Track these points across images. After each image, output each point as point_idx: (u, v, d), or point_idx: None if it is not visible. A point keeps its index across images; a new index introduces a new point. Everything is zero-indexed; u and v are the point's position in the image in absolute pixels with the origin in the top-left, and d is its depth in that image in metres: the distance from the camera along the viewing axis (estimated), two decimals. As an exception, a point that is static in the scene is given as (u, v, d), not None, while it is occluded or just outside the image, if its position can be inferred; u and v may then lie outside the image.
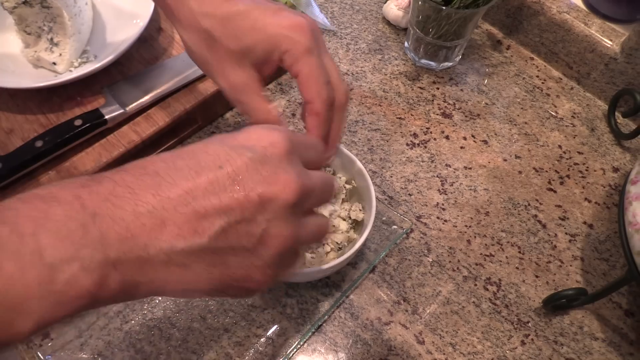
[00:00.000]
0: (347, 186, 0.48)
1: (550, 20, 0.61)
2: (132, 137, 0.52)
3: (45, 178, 0.50)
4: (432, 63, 0.63)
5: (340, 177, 0.49)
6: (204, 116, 0.57)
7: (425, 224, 0.53)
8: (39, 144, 0.49)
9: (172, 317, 0.47)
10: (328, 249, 0.45)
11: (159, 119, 0.54)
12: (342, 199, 0.48)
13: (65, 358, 0.45)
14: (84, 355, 0.45)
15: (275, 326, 0.47)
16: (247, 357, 0.46)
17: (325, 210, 0.46)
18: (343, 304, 0.48)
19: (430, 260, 0.51)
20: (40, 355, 0.45)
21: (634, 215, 0.42)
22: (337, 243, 0.45)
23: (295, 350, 0.46)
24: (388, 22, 0.68)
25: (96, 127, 0.51)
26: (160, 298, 0.48)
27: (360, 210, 0.47)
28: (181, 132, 0.56)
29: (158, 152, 0.55)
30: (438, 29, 0.58)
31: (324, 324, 0.47)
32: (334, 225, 0.46)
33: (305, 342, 0.46)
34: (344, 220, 0.47)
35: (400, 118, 0.60)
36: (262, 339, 0.46)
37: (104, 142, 0.52)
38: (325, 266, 0.42)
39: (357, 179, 0.48)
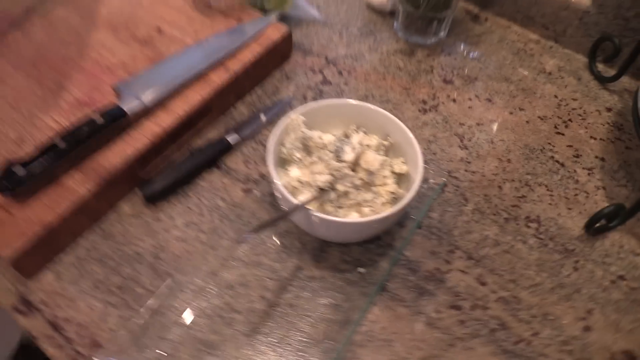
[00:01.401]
0: (385, 142, 0.49)
1: (523, -13, 0.67)
2: (154, 129, 0.50)
3: (69, 179, 0.47)
4: (423, 39, 0.67)
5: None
6: (219, 106, 0.56)
7: (456, 177, 0.54)
8: (61, 144, 0.46)
9: (230, 302, 0.45)
10: (383, 199, 0.45)
11: (178, 108, 0.52)
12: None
13: None
14: (147, 356, 0.42)
15: (339, 293, 0.46)
16: (319, 327, 0.44)
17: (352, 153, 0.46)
18: (400, 261, 0.48)
19: (470, 209, 0.52)
20: None
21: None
22: (391, 193, 0.46)
23: (364, 311, 0.45)
24: (372, 9, 0.71)
25: (117, 122, 0.49)
26: (215, 288, 0.46)
27: (402, 162, 0.48)
28: (197, 122, 0.55)
29: (178, 144, 0.54)
30: (429, 1, 0.62)
31: (386, 283, 0.47)
32: (384, 176, 0.46)
33: (372, 303, 0.45)
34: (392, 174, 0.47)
35: (406, 89, 0.62)
36: (329, 307, 0.45)
37: (126, 137, 0.50)
38: (390, 211, 0.42)
39: (393, 135, 0.49)
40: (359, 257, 0.48)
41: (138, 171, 0.50)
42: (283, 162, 0.48)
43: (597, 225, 0.50)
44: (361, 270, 0.47)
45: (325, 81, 0.62)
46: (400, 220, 0.50)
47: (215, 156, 0.53)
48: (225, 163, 0.54)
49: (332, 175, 0.45)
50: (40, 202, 0.45)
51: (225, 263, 0.47)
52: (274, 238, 0.49)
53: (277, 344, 0.43)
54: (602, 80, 0.64)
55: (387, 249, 0.49)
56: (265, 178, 0.53)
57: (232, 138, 0.54)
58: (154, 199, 0.50)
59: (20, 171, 0.44)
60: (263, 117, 0.57)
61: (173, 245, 0.48)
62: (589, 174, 0.55)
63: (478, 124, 0.59)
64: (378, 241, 0.49)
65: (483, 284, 0.47)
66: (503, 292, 0.47)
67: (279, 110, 0.58)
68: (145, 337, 0.43)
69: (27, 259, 0.44)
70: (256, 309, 0.45)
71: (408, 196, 0.43)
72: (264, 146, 0.56)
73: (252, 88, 0.60)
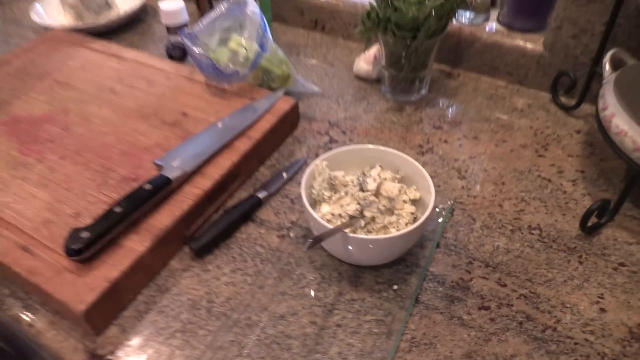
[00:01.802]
0: (398, 176, 0.57)
1: (484, 44, 0.79)
2: (195, 191, 0.58)
3: (127, 240, 0.52)
4: (408, 97, 0.77)
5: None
6: (245, 169, 0.64)
7: (461, 202, 0.62)
8: (118, 209, 0.52)
9: (284, 330, 0.50)
10: (406, 220, 0.52)
11: (213, 173, 0.60)
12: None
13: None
14: (216, 385, 0.46)
15: (379, 309, 0.51)
16: (367, 341, 0.49)
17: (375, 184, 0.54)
18: (427, 276, 0.54)
19: (478, 226, 0.59)
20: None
21: (616, 127, 0.54)
22: (411, 213, 0.53)
23: (404, 322, 0.50)
24: (360, 78, 0.82)
25: (163, 188, 0.56)
26: (268, 320, 0.50)
27: (415, 189, 0.55)
28: (229, 184, 0.62)
29: (215, 205, 0.60)
30: (409, 63, 0.73)
31: (419, 296, 0.52)
32: (403, 201, 0.53)
33: (410, 314, 0.51)
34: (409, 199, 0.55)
35: (402, 138, 0.71)
36: (372, 323, 0.50)
37: (172, 200, 0.56)
38: (415, 225, 0.48)
39: (403, 168, 0.57)
40: (390, 278, 0.54)
41: (184, 230, 0.57)
42: (313, 204, 0.55)
43: (590, 224, 0.57)
44: (395, 287, 0.53)
45: (332, 140, 0.71)
46: (420, 242, 0.57)
47: (249, 211, 0.60)
48: (258, 216, 0.61)
49: (359, 203, 0.52)
50: (104, 261, 0.51)
51: (274, 298, 0.52)
52: (312, 273, 0.55)
53: (332, 360, 0.47)
54: (567, 109, 0.74)
55: (414, 267, 0.55)
56: (295, 224, 0.60)
57: (261, 194, 0.61)
58: (201, 253, 0.56)
59: (85, 235, 0.50)
60: (284, 175, 0.65)
61: (224, 290, 0.53)
62: (573, 185, 0.64)
63: (470, 158, 0.68)
64: (404, 262, 0.55)
65: (503, 285, 0.53)
66: (522, 290, 0.52)
67: (297, 168, 0.66)
68: (212, 371, 0.47)
69: (96, 313, 0.49)
70: (309, 333, 0.49)
71: (427, 213, 0.50)
72: (289, 198, 0.63)
73: (271, 152, 0.69)
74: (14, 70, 0.81)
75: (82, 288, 0.49)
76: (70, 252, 0.50)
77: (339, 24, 0.93)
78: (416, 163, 0.55)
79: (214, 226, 0.57)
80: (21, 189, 0.59)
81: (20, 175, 0.61)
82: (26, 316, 0.52)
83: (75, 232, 0.50)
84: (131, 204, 0.53)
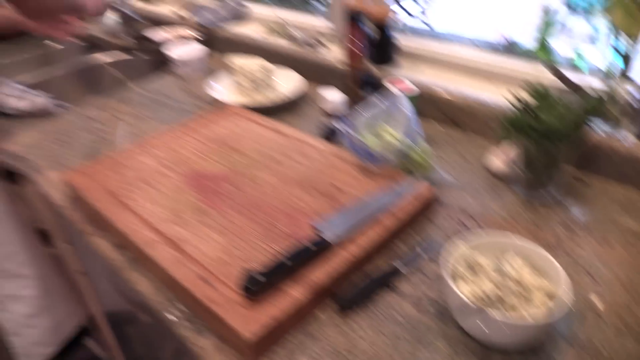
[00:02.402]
0: (534, 268, 0.62)
1: (619, 154, 0.83)
2: (346, 255, 0.67)
3: (289, 288, 0.62)
4: (539, 195, 0.82)
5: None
6: (388, 242, 0.72)
7: (592, 303, 0.64)
8: (288, 262, 0.63)
9: (416, 391, 0.55)
10: (541, 310, 0.56)
11: (361, 242, 0.69)
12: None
13: None
14: None
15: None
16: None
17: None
18: (555, 367, 0.57)
19: (610, 329, 0.61)
20: None
21: None
22: (546, 306, 0.57)
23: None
24: (492, 173, 0.89)
25: (324, 250, 0.66)
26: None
27: (550, 284, 0.60)
28: (373, 253, 0.70)
29: (360, 269, 0.69)
30: (543, 165, 0.79)
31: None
32: (539, 293, 0.58)
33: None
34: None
35: (532, 234, 0.76)
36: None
37: (327, 260, 0.66)
38: (551, 317, 0.53)
39: (538, 262, 0.62)
40: (521, 362, 0.57)
41: (333, 286, 0.65)
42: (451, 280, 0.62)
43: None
44: (524, 372, 0.56)
45: (464, 227, 0.78)
46: (552, 336, 0.60)
47: (388, 279, 0.68)
48: (397, 285, 0.68)
49: (496, 287, 0.57)
50: (269, 302, 0.60)
51: (408, 361, 0.58)
52: (445, 346, 0.60)
53: None
54: None
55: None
56: (430, 298, 0.66)
57: (399, 266, 0.69)
58: (345, 309, 0.64)
59: (260, 278, 0.60)
60: (421, 252, 0.72)
61: (363, 346, 0.60)
62: None
63: (601, 262, 0.71)
64: (535, 353, 0.58)
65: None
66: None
67: (432, 247, 0.73)
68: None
69: (259, 343, 0.57)
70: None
71: (561, 308, 0.54)
72: (425, 274, 0.69)
73: (408, 230, 0.77)
74: (197, 135, 0.99)
75: (251, 320, 0.58)
76: (246, 290, 0.60)
77: (475, 122, 1.02)
78: (552, 259, 0.60)
79: (358, 287, 0.65)
80: (202, 232, 0.72)
81: (201, 220, 0.75)
82: (195, 337, 0.63)
83: (251, 274, 0.61)
84: (298, 260, 0.63)
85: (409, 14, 1.29)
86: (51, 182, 0.97)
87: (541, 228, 0.77)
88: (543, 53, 1.29)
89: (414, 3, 1.27)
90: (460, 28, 1.25)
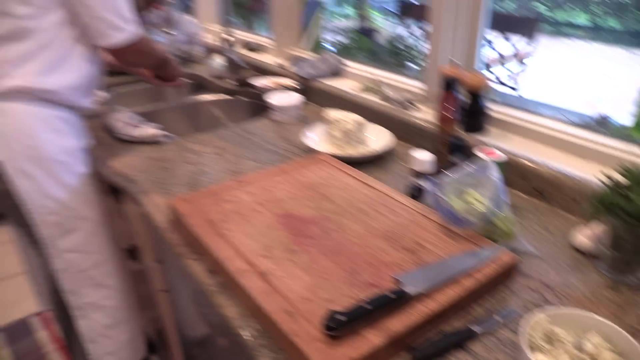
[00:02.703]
0: (615, 350, 0.61)
1: None
2: (424, 310, 0.69)
3: (366, 332, 0.65)
4: (626, 278, 0.81)
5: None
6: (464, 303, 0.74)
7: (676, 397, 0.62)
8: (368, 306, 0.66)
9: None
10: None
11: (439, 298, 0.71)
12: None
13: None
14: None
15: None
16: None
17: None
18: None
19: None
20: None
21: None
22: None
23: None
24: (577, 250, 0.89)
25: (403, 301, 0.69)
26: None
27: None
28: (449, 311, 0.72)
29: (435, 326, 0.71)
30: (632, 247, 0.78)
31: None
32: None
33: None
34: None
35: (615, 316, 0.75)
36: None
37: (404, 311, 0.69)
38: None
39: (619, 345, 0.61)
40: None
41: (408, 338, 0.68)
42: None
43: None
44: None
45: (544, 299, 0.78)
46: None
47: (463, 340, 0.69)
48: (471, 347, 0.69)
49: (575, 363, 0.58)
50: (347, 343, 0.64)
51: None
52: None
53: None
54: None
55: None
56: (502, 364, 0.67)
57: (475, 328, 0.70)
58: (418, 362, 0.66)
59: (342, 318, 0.64)
60: (498, 318, 0.73)
61: (433, 400, 0.62)
62: None
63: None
64: None
65: None
66: None
67: (509, 315, 0.74)
68: None
69: (336, 383, 0.61)
70: None
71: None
72: (500, 340, 0.70)
73: (486, 294, 0.78)
74: (290, 178, 1.06)
75: (329, 357, 0.62)
76: (328, 328, 0.64)
77: (561, 195, 1.02)
78: (637, 344, 0.60)
79: (433, 344, 0.68)
80: (290, 268, 0.78)
81: (290, 257, 0.80)
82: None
83: (334, 314, 0.65)
84: (378, 306, 0.67)
85: (500, 82, 1.33)
86: (155, 205, 1.08)
87: (626, 311, 0.76)
88: (638, 132, 1.27)
89: (505, 70, 1.30)
90: (551, 97, 1.27)
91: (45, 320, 2.19)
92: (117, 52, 1.24)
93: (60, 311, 1.63)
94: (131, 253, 1.59)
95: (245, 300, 0.76)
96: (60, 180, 1.27)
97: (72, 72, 1.24)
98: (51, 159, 1.24)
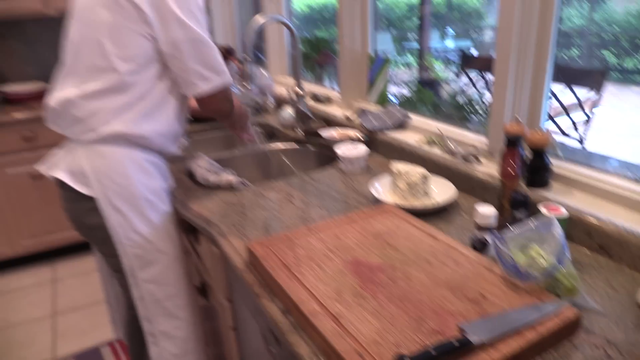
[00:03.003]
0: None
1: None
2: (487, 358, 0.73)
3: (433, 378, 0.70)
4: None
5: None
6: (527, 356, 0.77)
7: None
8: (433, 352, 0.71)
9: None
10: None
11: (503, 349, 0.75)
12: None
13: None
14: None
15: None
16: None
17: None
18: None
19: None
20: None
21: None
22: None
23: None
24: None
25: (467, 349, 0.73)
26: None
27: None
28: (512, 364, 0.76)
29: (497, 376, 0.74)
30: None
31: None
32: None
33: None
34: None
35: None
36: None
37: (466, 358, 0.73)
38: None
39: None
40: None
41: (472, 386, 0.72)
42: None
43: None
44: None
45: (607, 356, 0.79)
46: None
47: (525, 391, 0.72)
48: (533, 398, 0.72)
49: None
50: (415, 387, 0.69)
51: None
52: None
53: None
54: None
55: None
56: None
57: (538, 381, 0.73)
58: (482, 410, 0.70)
59: (410, 363, 0.70)
60: (560, 372, 0.75)
61: None
62: None
63: None
64: None
65: None
66: None
67: (572, 369, 0.76)
68: None
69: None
70: None
71: None
72: (562, 394, 0.73)
73: (548, 348, 0.80)
74: (358, 226, 1.14)
75: (398, 399, 0.67)
76: (396, 370, 0.70)
77: (627, 253, 1.03)
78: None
79: (496, 392, 0.71)
80: (359, 312, 0.84)
81: (359, 302, 0.87)
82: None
83: (402, 357, 0.71)
84: (443, 352, 0.72)
85: (564, 133, 1.35)
86: (232, 247, 1.18)
87: (694, 375, 0.76)
88: None
89: (570, 120, 1.32)
90: (618, 149, 1.28)
91: (115, 350, 2.33)
92: (202, 100, 1.38)
93: (132, 340, 1.75)
94: (201, 290, 1.70)
95: (317, 340, 0.83)
96: (146, 217, 1.40)
97: (163, 120, 1.39)
98: (140, 197, 1.38)
